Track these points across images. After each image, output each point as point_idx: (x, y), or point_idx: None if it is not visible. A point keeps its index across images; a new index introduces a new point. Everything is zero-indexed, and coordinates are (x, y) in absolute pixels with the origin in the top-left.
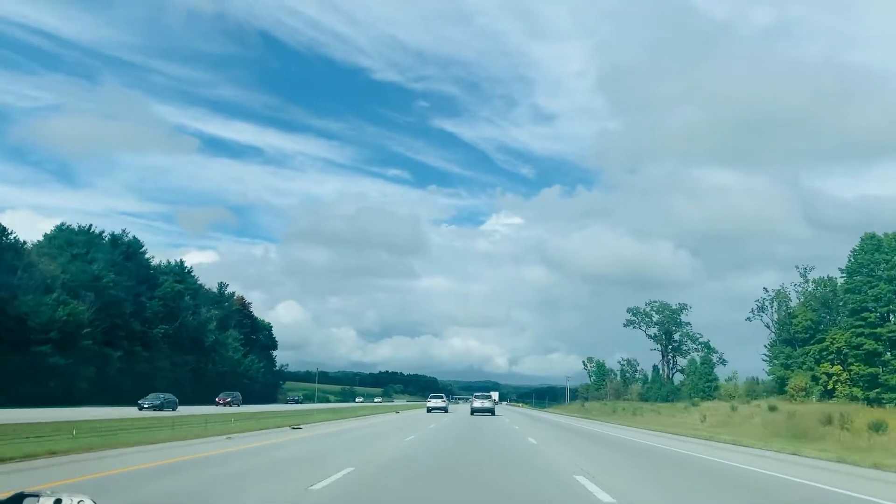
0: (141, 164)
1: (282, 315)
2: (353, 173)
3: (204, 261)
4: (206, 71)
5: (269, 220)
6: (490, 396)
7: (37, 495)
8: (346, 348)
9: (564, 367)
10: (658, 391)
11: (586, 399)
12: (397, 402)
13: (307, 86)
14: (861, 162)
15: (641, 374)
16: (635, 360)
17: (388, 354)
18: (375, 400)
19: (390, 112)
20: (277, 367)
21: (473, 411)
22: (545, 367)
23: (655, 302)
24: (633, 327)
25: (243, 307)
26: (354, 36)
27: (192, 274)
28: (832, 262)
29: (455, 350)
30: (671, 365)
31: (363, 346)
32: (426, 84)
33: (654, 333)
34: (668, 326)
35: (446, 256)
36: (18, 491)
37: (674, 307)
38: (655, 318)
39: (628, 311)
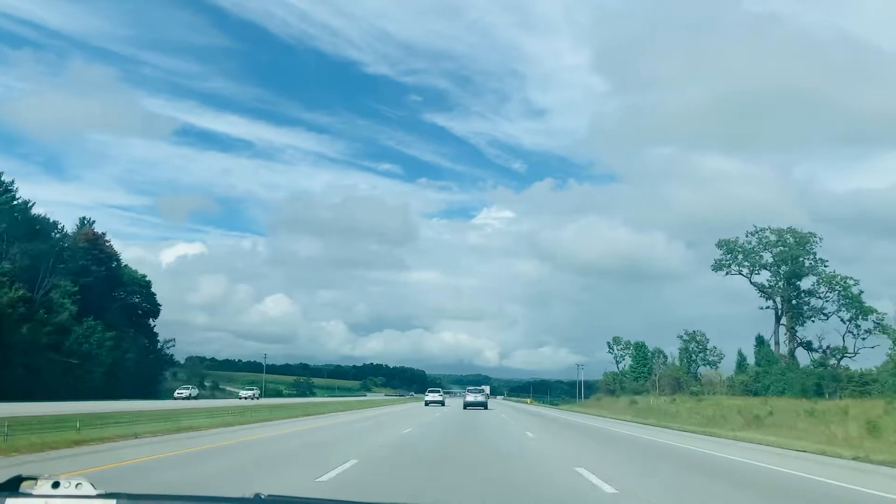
0: (129, 156)
1: (271, 308)
2: (344, 167)
3: (190, 252)
4: (195, 63)
5: (259, 213)
6: (483, 391)
7: (35, 478)
8: (336, 342)
9: (555, 360)
10: (781, 379)
11: (614, 392)
12: (372, 397)
13: (298, 79)
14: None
15: (716, 355)
16: (703, 336)
17: (378, 348)
18: (243, 395)
19: (381, 106)
20: (160, 346)
21: (466, 405)
22: (535, 360)
23: (764, 230)
24: (727, 272)
25: (92, 244)
26: (345, 29)
27: (11, 190)
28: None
29: (445, 344)
30: (793, 334)
31: (353, 340)
32: (418, 78)
33: (766, 282)
34: (789, 268)
35: (437, 250)
36: (16, 475)
37: (801, 233)
38: (766, 257)
39: (719, 245)
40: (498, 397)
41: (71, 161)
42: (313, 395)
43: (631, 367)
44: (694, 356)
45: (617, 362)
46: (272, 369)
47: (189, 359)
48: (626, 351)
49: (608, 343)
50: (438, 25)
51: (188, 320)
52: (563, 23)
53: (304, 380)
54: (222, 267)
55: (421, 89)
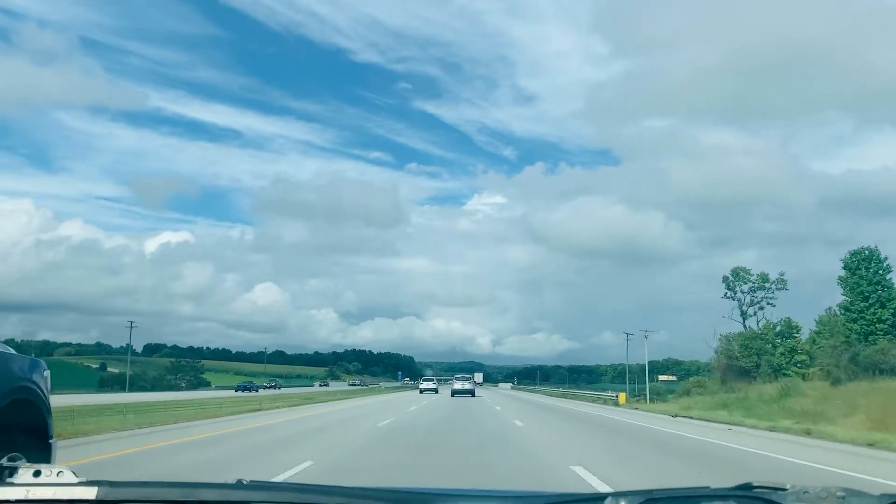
0: (117, 147)
1: (260, 297)
2: (334, 155)
3: (173, 240)
4: (182, 52)
5: (248, 202)
6: (471, 378)
7: (15, 467)
8: (327, 330)
9: (548, 346)
10: None
11: (751, 374)
12: (337, 387)
13: (286, 67)
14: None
15: None
16: None
17: (369, 336)
18: None
19: (371, 94)
20: None
21: (454, 393)
22: (529, 346)
23: None
24: None
25: None
26: (332, 16)
27: None
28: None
29: (437, 331)
30: None
31: (344, 329)
32: (407, 65)
33: None
34: None
35: (428, 237)
36: None
37: None
38: None
39: None
40: (501, 385)
41: (57, 153)
42: (205, 385)
43: (844, 313)
44: None
45: (744, 316)
46: (243, 357)
47: None
48: (767, 291)
49: (725, 278)
50: (426, 12)
51: (174, 310)
52: (552, 7)
53: (186, 362)
54: (211, 256)
55: (410, 77)
